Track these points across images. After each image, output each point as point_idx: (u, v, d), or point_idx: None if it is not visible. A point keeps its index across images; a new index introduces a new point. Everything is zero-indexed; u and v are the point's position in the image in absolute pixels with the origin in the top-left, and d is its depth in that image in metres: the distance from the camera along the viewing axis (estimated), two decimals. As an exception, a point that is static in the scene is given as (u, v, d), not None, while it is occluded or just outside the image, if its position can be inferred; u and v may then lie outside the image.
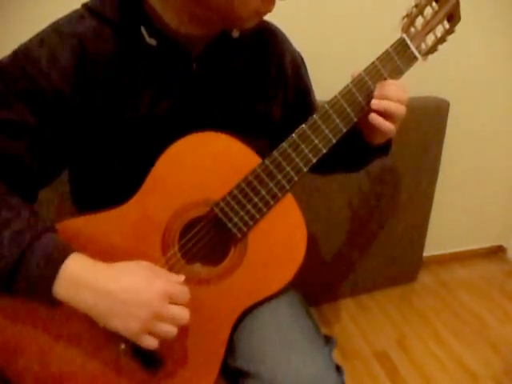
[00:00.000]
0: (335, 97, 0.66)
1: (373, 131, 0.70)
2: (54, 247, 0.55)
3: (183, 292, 0.60)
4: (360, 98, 0.67)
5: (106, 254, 0.60)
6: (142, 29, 0.63)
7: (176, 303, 0.59)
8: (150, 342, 0.57)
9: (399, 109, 0.66)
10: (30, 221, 0.56)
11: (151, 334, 0.57)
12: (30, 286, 0.54)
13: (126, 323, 0.56)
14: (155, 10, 0.62)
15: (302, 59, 0.82)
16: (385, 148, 0.77)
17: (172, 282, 0.59)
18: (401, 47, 0.67)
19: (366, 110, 0.67)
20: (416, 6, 0.68)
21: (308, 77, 0.84)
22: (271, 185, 0.65)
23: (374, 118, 0.67)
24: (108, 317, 0.56)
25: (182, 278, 0.62)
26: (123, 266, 0.59)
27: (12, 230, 0.54)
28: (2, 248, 0.53)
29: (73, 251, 0.57)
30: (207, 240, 0.68)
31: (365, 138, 0.74)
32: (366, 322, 1.53)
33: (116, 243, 0.63)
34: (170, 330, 0.58)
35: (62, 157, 0.66)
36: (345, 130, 0.67)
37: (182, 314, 0.59)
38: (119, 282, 0.56)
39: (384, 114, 0.66)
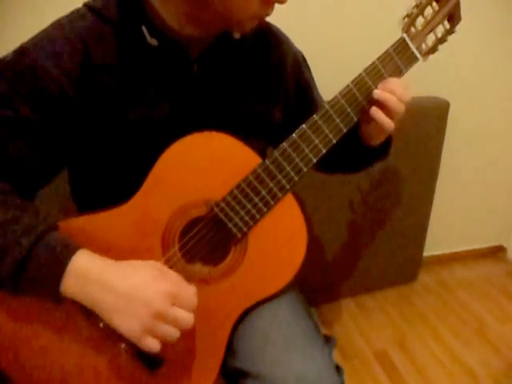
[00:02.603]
0: (335, 97, 0.66)
1: (372, 128, 0.70)
2: (61, 244, 0.56)
3: (190, 298, 0.58)
4: (360, 98, 0.67)
5: (106, 253, 0.60)
6: (143, 28, 0.63)
7: (181, 307, 0.57)
8: (151, 345, 0.55)
9: (399, 105, 0.66)
10: (35, 220, 0.57)
11: (153, 335, 0.55)
12: (38, 284, 0.55)
13: (127, 321, 0.55)
14: (156, 9, 0.62)
15: (303, 58, 0.82)
16: (384, 149, 0.78)
17: (180, 286, 0.58)
18: (401, 47, 0.67)
19: (367, 109, 0.67)
20: (416, 6, 0.68)
21: (310, 75, 0.84)
22: (271, 185, 0.65)
23: (375, 111, 0.67)
24: (111, 313, 0.55)
25: (193, 288, 0.59)
26: (132, 264, 0.59)
27: (18, 227, 0.55)
28: (9, 246, 0.53)
29: (80, 248, 0.57)
30: (207, 240, 0.68)
31: (363, 140, 0.74)
32: (366, 322, 1.53)
33: (116, 243, 0.63)
34: (172, 332, 0.56)
35: (63, 156, 0.66)
36: (345, 130, 0.67)
37: (185, 317, 0.57)
38: (126, 279, 0.56)
39: (384, 107, 0.67)
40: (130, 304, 0.55)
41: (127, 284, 0.56)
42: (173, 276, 0.59)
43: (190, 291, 0.59)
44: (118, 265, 0.58)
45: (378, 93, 0.66)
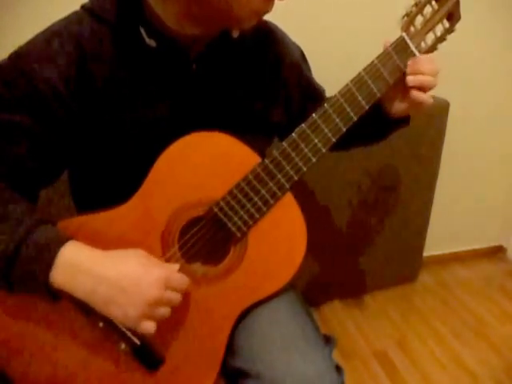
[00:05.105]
0: (335, 96, 0.66)
1: (407, 106, 0.72)
2: (51, 236, 0.56)
3: (181, 278, 0.61)
4: (360, 98, 0.67)
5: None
6: (142, 30, 0.63)
7: (175, 290, 0.60)
8: (149, 327, 0.57)
9: (432, 82, 0.68)
10: (28, 213, 0.57)
11: (149, 319, 0.58)
12: (28, 276, 0.54)
13: (124, 310, 0.56)
14: (154, 10, 0.61)
15: (302, 55, 0.82)
16: (405, 119, 0.78)
17: (169, 269, 0.60)
18: (400, 46, 0.67)
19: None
20: (416, 4, 0.68)
21: (309, 70, 0.84)
22: (271, 184, 0.65)
23: (415, 94, 0.68)
24: (107, 304, 0.56)
25: (176, 266, 0.62)
26: (120, 253, 0.59)
27: (11, 221, 0.55)
28: None
29: (70, 239, 0.57)
30: (207, 239, 0.68)
31: (386, 112, 0.74)
32: (366, 322, 1.53)
33: (115, 242, 0.63)
34: (167, 311, 0.59)
35: (62, 158, 0.66)
36: (344, 130, 0.67)
37: (178, 297, 0.60)
38: (117, 268, 0.57)
39: (420, 88, 0.68)
40: (126, 295, 0.56)
41: (120, 274, 0.56)
42: (157, 261, 0.61)
43: (178, 273, 0.61)
44: (107, 255, 0.58)
45: (411, 80, 0.67)
